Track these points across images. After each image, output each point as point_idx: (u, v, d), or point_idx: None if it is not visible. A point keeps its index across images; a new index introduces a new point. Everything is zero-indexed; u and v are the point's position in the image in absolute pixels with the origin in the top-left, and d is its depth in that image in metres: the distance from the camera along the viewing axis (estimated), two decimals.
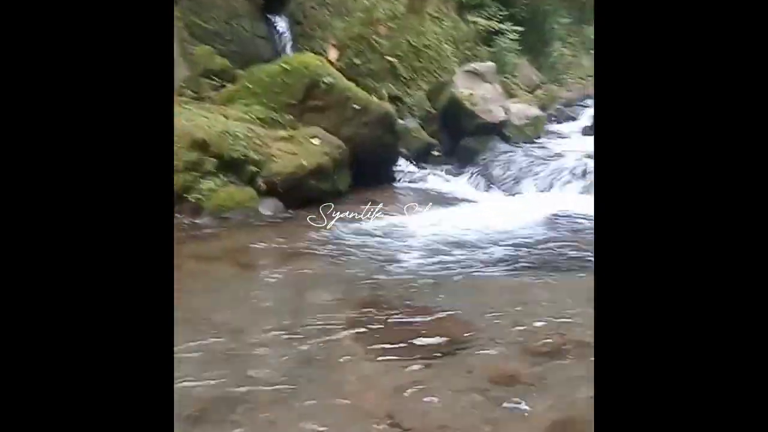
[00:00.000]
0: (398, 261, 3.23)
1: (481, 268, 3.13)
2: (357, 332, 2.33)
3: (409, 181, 5.32)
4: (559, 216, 4.13)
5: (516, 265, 3.16)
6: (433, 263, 3.20)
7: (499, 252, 3.38)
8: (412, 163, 5.52)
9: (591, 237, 3.57)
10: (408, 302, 2.65)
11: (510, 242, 3.55)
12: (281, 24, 5.74)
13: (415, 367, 2.05)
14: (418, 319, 2.48)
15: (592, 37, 8.98)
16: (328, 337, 2.27)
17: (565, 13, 8.58)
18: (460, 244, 3.52)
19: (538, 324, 2.38)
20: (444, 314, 2.52)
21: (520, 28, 7.65)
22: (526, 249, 3.43)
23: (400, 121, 5.57)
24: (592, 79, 8.71)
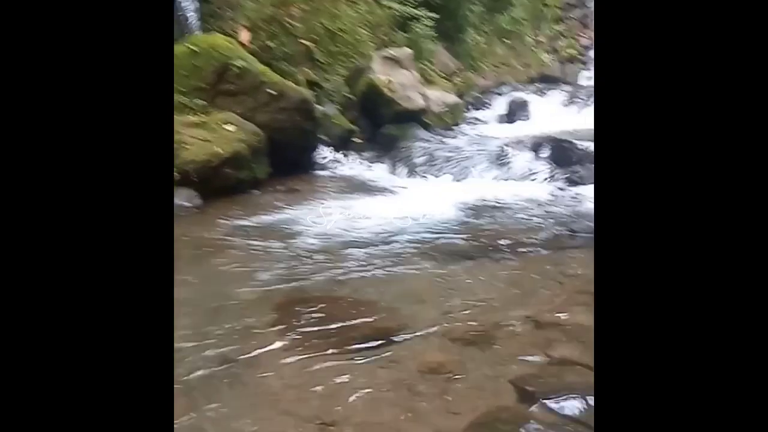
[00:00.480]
0: (320, 252, 3.06)
1: (403, 256, 3.03)
2: (279, 329, 2.16)
3: (331, 169, 5.18)
4: (479, 203, 4.16)
5: (437, 253, 3.08)
6: (354, 253, 3.06)
7: (420, 239, 3.31)
8: (333, 150, 5.34)
9: (509, 223, 3.64)
10: (331, 295, 2.49)
11: (431, 229, 3.49)
12: (187, 2, 5.28)
13: (340, 361, 1.91)
14: (342, 312, 2.32)
15: (504, 26, 9.19)
16: (249, 335, 2.10)
17: (477, 1, 8.67)
18: (382, 233, 3.42)
19: (462, 312, 2.31)
20: (368, 306, 2.39)
21: (434, 15, 7.61)
22: (447, 236, 3.38)
23: (319, 107, 5.35)
24: (506, 67, 8.90)
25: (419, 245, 3.22)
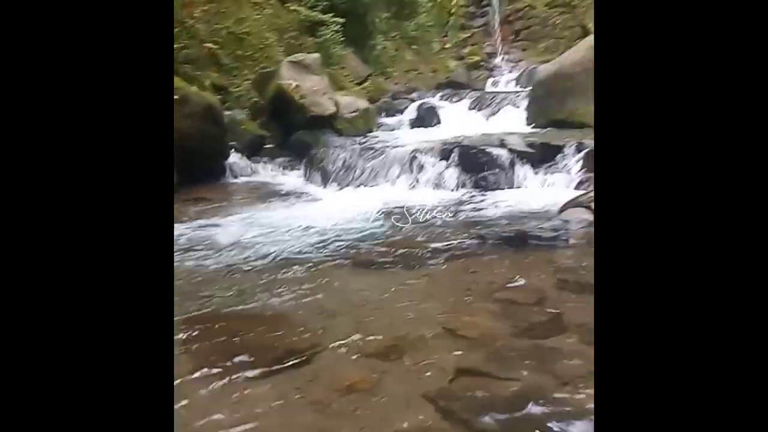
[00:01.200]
0: (229, 266, 2.95)
1: (317, 267, 2.96)
2: (184, 349, 2.05)
3: (242, 176, 5.01)
4: (392, 209, 4.17)
5: (350, 263, 3.05)
6: (266, 262, 2.98)
7: (333, 249, 3.26)
8: (244, 156, 5.16)
9: (420, 230, 3.66)
10: (241, 313, 2.39)
11: (345, 238, 3.46)
12: None
13: (250, 381, 1.83)
14: (252, 329, 2.23)
15: (412, 32, 9.32)
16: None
17: (384, 7, 8.73)
18: (296, 242, 3.34)
19: (376, 325, 2.27)
20: (280, 322, 2.31)
21: (341, 20, 7.58)
22: (360, 245, 3.35)
23: (227, 113, 5.14)
24: (415, 73, 9.02)
25: (333, 255, 3.17)
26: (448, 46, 10.05)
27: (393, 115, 7.21)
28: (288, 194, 4.69)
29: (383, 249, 3.29)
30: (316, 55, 6.48)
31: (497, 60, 10.30)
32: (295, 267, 2.97)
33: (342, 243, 3.38)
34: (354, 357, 2.02)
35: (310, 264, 3.03)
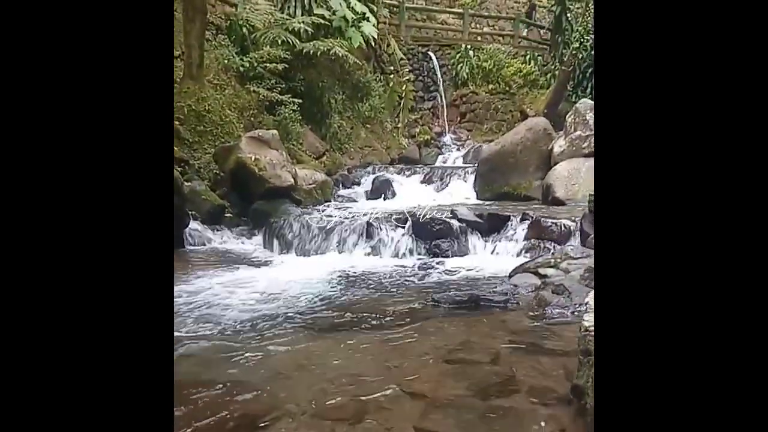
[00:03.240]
0: (186, 331, 2.83)
1: (274, 332, 2.89)
2: None
3: (202, 243, 4.91)
4: (348, 275, 4.15)
5: (307, 328, 2.98)
6: (223, 328, 2.89)
7: (291, 314, 3.20)
8: (204, 225, 5.08)
9: (377, 295, 3.63)
10: (197, 379, 2.27)
11: (302, 304, 3.40)
12: None
13: None
14: (208, 395, 2.13)
15: (366, 113, 9.65)
16: None
17: (339, 90, 9.06)
18: (253, 308, 3.26)
19: (333, 389, 2.21)
20: (237, 388, 2.21)
21: (299, 101, 7.80)
22: (317, 310, 3.30)
23: (187, 184, 5.09)
24: (370, 149, 9.25)
25: (290, 320, 3.09)
26: (399, 125, 10.44)
27: (349, 187, 7.32)
28: (246, 261, 4.61)
29: (340, 313, 3.23)
30: (275, 131, 6.59)
31: (445, 138, 10.75)
32: (253, 332, 2.88)
33: (299, 308, 3.31)
34: (311, 422, 1.93)
35: (267, 328, 2.94)
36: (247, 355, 2.57)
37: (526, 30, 14.42)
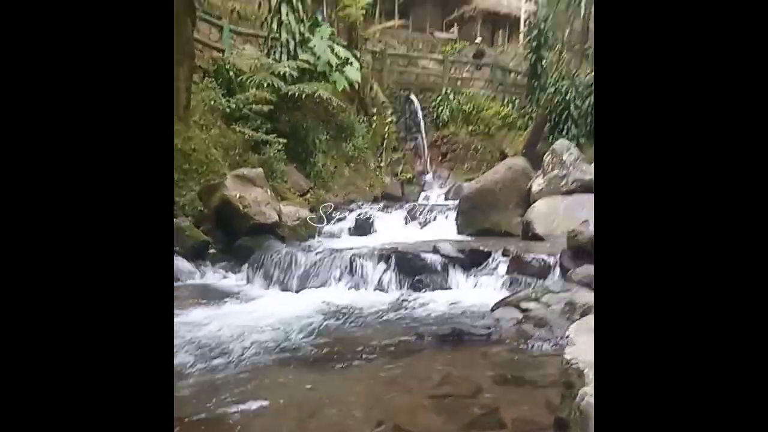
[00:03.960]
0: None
1: (258, 367, 2.84)
2: None
3: (185, 279, 4.83)
4: (332, 310, 4.10)
5: (293, 363, 2.94)
6: (207, 364, 2.82)
7: (275, 349, 3.15)
8: (187, 260, 5.01)
9: (361, 330, 3.59)
10: (177, 416, 2.20)
11: (287, 339, 3.35)
12: None
13: None
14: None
15: (349, 152, 9.74)
16: None
17: (323, 130, 9.17)
18: (236, 341, 3.20)
19: (320, 424, 2.17)
20: (218, 426, 2.16)
21: (284, 140, 7.86)
22: (302, 345, 3.25)
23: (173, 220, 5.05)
24: (353, 187, 9.30)
25: (275, 355, 3.03)
26: (383, 164, 10.55)
27: (335, 224, 7.30)
28: (230, 296, 4.53)
29: (325, 348, 3.18)
30: (259, 169, 6.60)
31: (427, 177, 10.87)
32: (236, 368, 2.81)
33: (284, 342, 3.25)
34: None
35: (251, 364, 2.88)
36: (233, 389, 2.50)
37: (503, 75, 14.87)
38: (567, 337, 2.07)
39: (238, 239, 5.70)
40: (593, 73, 13.01)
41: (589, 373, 1.63)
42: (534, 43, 13.64)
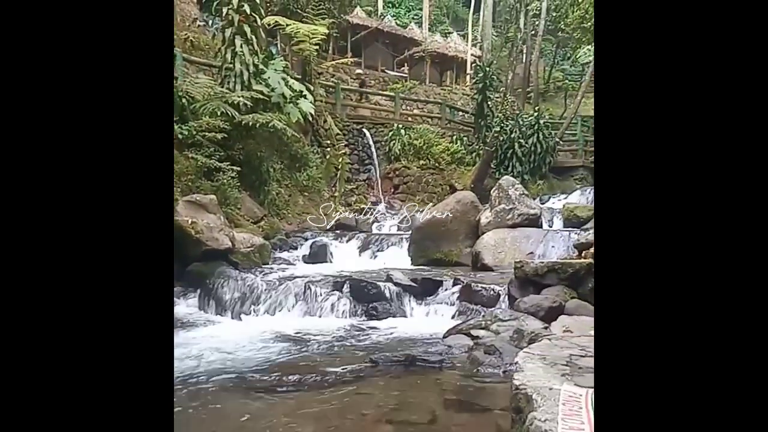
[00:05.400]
0: None
1: (208, 395, 2.75)
2: None
3: None
4: (286, 337, 4.04)
5: (243, 390, 2.86)
6: None
7: (225, 376, 3.06)
8: None
9: (314, 356, 3.54)
10: None
11: (237, 366, 3.27)
12: None
13: None
14: None
15: (303, 182, 9.70)
16: None
17: (277, 160, 9.13)
18: (187, 368, 3.11)
19: None
20: None
21: (237, 168, 7.76)
22: (253, 372, 3.17)
23: None
24: (307, 215, 9.23)
25: (228, 382, 2.94)
26: (336, 194, 10.57)
27: (288, 251, 7.21)
28: (181, 323, 4.36)
29: (279, 374, 3.10)
30: (212, 196, 6.48)
31: (380, 207, 10.96)
32: (189, 396, 2.70)
33: (237, 370, 3.16)
34: None
35: (204, 391, 2.77)
36: (182, 419, 2.39)
37: (451, 113, 15.36)
38: (515, 363, 2.12)
39: (190, 265, 5.53)
40: (537, 113, 13.68)
41: (538, 399, 1.67)
42: (480, 85, 14.22)
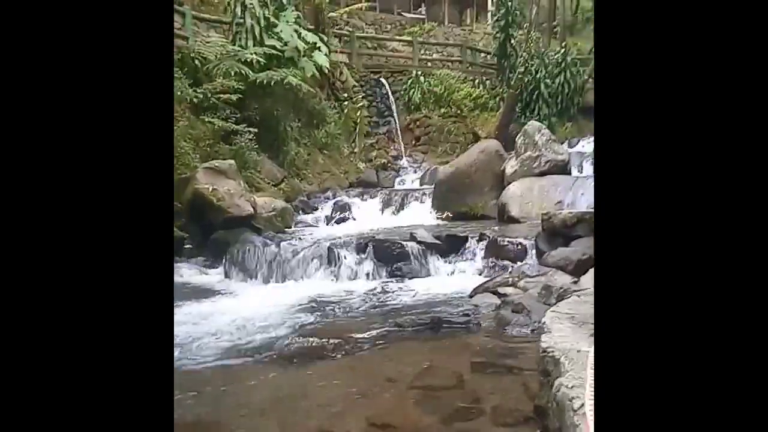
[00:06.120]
0: None
1: (239, 365, 2.84)
2: None
3: None
4: (311, 302, 4.11)
5: (273, 359, 2.93)
6: (189, 361, 2.83)
7: (257, 342, 3.15)
8: None
9: (340, 321, 3.60)
10: None
11: (267, 333, 3.34)
12: None
13: None
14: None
15: (322, 139, 9.63)
16: None
17: (294, 118, 9.04)
18: (216, 338, 3.20)
19: (303, 422, 2.17)
20: (202, 424, 2.17)
21: (254, 130, 7.73)
22: (284, 337, 3.25)
23: None
24: (328, 174, 9.22)
25: (255, 351, 3.02)
26: (356, 150, 10.49)
27: (310, 213, 7.25)
28: (208, 292, 4.48)
29: (305, 341, 3.17)
30: (231, 161, 6.49)
31: (402, 162, 10.85)
32: (219, 367, 2.79)
33: (264, 338, 3.24)
34: None
35: (233, 362, 2.86)
36: (212, 391, 2.48)
37: (473, 55, 14.84)
38: (543, 323, 2.10)
39: (213, 233, 5.62)
40: (564, 49, 13.10)
41: (565, 362, 1.66)
42: (502, 23, 13.62)
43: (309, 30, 9.54)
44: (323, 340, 3.18)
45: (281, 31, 8.81)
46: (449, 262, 4.85)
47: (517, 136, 7.17)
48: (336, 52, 11.20)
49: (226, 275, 5.08)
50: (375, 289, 4.45)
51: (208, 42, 8.49)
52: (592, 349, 1.72)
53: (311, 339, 3.21)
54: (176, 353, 2.96)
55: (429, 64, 13.91)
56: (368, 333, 3.28)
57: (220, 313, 3.82)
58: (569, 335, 1.85)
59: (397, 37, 15.26)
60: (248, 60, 8.02)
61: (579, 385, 1.52)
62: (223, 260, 5.19)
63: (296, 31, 8.97)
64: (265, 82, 8.03)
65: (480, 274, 4.57)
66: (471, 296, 3.91)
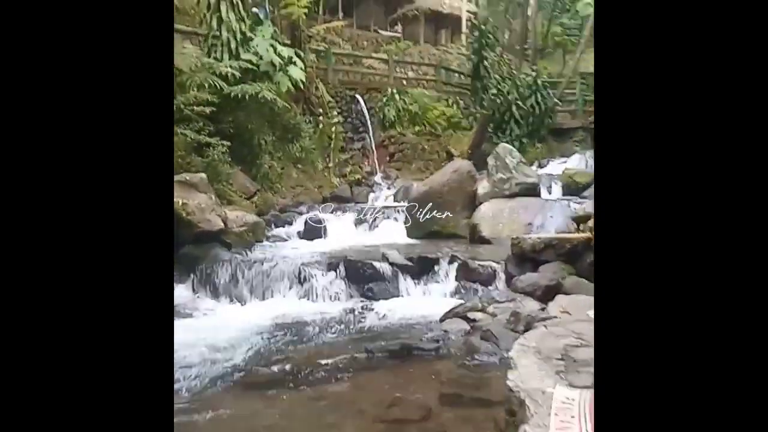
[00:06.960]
0: None
1: (201, 393, 2.73)
2: None
3: None
4: (280, 323, 3.99)
5: (240, 382, 2.84)
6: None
7: (221, 367, 3.05)
8: None
9: (308, 346, 3.50)
10: None
11: (231, 359, 3.23)
12: None
13: None
14: None
15: (296, 154, 9.53)
16: None
17: (269, 131, 8.92)
18: (177, 365, 3.04)
19: None
20: None
21: (227, 143, 7.58)
22: (247, 365, 3.13)
23: None
24: (302, 188, 9.10)
25: (219, 378, 2.91)
26: (330, 165, 10.40)
27: (283, 227, 7.11)
28: (176, 309, 4.31)
29: (273, 367, 3.07)
30: (202, 174, 6.33)
31: (376, 178, 10.79)
32: (181, 394, 2.66)
33: (230, 363, 3.13)
34: None
35: (196, 388, 2.75)
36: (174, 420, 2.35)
37: (447, 75, 14.97)
38: (510, 357, 2.07)
39: (182, 248, 5.45)
40: (535, 72, 13.34)
41: (531, 406, 1.63)
42: (476, 44, 13.80)
43: (285, 45, 9.46)
44: (291, 365, 3.08)
45: (257, 45, 8.72)
46: (421, 284, 4.80)
47: (489, 158, 7.21)
48: (312, 67, 11.14)
49: (194, 292, 4.92)
50: (346, 310, 4.36)
51: (182, 53, 8.32)
52: (556, 390, 1.70)
53: (279, 364, 3.11)
54: None
55: (404, 82, 13.95)
56: (337, 359, 3.19)
57: (184, 333, 3.66)
58: (535, 372, 1.84)
59: (374, 55, 15.31)
60: (223, 73, 7.89)
61: None
62: (192, 277, 5.03)
63: (272, 45, 8.89)
64: (239, 95, 7.90)
65: (452, 296, 4.53)
66: (441, 320, 3.86)
